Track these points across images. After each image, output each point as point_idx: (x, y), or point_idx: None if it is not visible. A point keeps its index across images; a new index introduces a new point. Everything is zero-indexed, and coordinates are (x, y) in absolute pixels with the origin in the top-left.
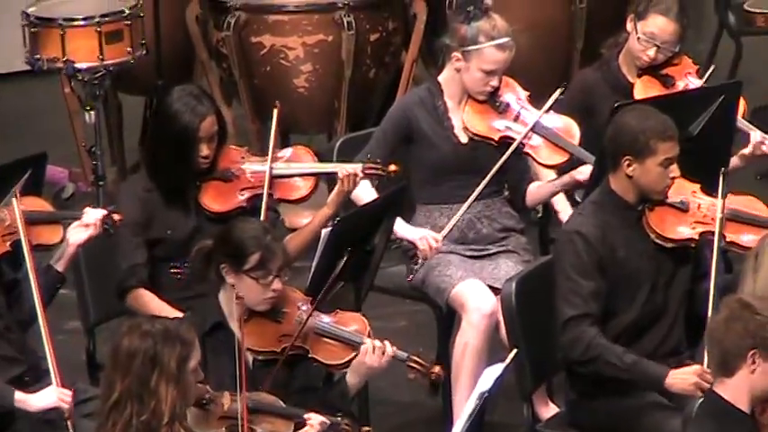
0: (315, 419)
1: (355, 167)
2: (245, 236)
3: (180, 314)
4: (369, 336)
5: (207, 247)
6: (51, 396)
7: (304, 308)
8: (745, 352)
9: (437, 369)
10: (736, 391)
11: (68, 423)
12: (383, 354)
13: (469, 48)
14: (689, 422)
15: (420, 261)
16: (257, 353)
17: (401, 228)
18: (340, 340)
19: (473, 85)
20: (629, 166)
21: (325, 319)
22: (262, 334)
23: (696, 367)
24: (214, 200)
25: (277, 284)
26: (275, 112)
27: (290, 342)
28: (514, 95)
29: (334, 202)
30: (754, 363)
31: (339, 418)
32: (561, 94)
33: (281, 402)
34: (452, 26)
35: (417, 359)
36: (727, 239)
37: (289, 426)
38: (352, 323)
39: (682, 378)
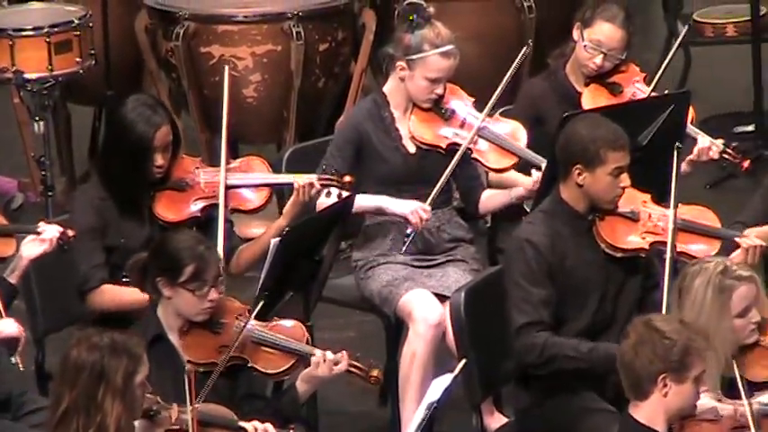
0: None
1: (311, 178)
2: (179, 248)
3: (146, 297)
4: (307, 342)
5: (141, 260)
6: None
7: (242, 318)
8: (655, 376)
9: (376, 372)
10: (651, 414)
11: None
12: (334, 364)
13: (413, 56)
14: None
15: (412, 233)
16: (197, 364)
17: (389, 203)
18: (278, 349)
19: (418, 93)
20: (579, 175)
21: (263, 328)
22: (201, 345)
23: None
24: (168, 209)
25: (213, 294)
26: (225, 75)
27: (228, 352)
28: (460, 102)
29: (290, 213)
30: (665, 386)
31: (291, 430)
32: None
33: (232, 414)
34: (396, 35)
35: (355, 363)
36: (678, 249)
37: None
38: (290, 331)
39: None
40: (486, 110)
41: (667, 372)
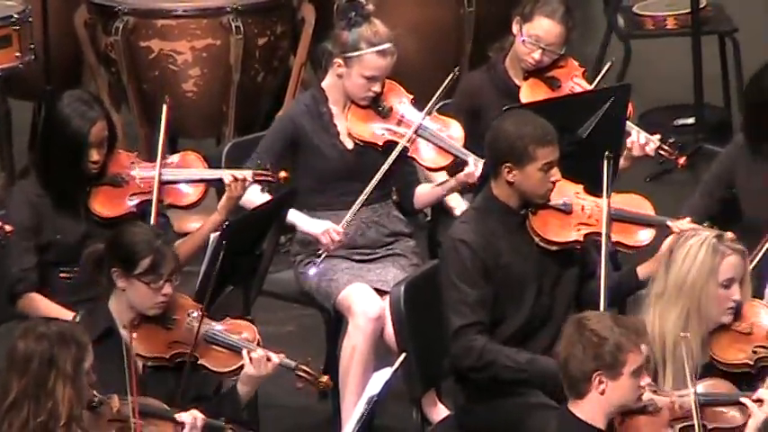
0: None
1: (244, 173)
2: (136, 240)
3: (71, 314)
4: (258, 344)
5: (98, 251)
6: None
7: (194, 314)
8: (589, 375)
9: (325, 379)
10: (590, 410)
11: None
12: (268, 362)
13: (350, 54)
14: None
15: (323, 254)
16: (147, 358)
17: (303, 222)
18: (229, 348)
19: (355, 91)
20: (509, 172)
21: (215, 327)
22: (152, 340)
23: None
24: (104, 205)
25: (168, 289)
26: (164, 109)
27: (181, 350)
28: (398, 99)
29: (225, 208)
30: (600, 383)
31: (223, 423)
32: (445, 97)
33: (165, 406)
34: (334, 32)
35: (306, 368)
36: (614, 239)
37: (173, 428)
38: (242, 331)
39: None
40: (426, 110)
41: (600, 369)
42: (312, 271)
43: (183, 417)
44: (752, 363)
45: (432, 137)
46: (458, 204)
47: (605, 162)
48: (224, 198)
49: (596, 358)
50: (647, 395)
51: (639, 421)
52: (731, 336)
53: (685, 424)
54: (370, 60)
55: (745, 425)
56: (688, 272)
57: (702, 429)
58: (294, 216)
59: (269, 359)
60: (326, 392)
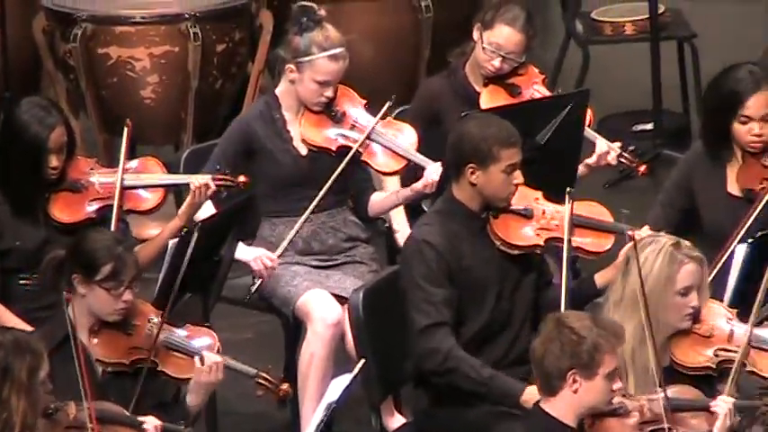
0: (150, 423)
1: (206, 178)
2: (97, 246)
3: (29, 328)
4: (218, 351)
5: (59, 256)
6: None
7: (155, 320)
8: (564, 373)
9: (285, 386)
10: (562, 408)
11: None
12: (217, 370)
13: (302, 59)
14: None
15: (257, 281)
16: (106, 364)
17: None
18: (189, 354)
19: (308, 96)
20: (472, 173)
21: (175, 333)
22: (112, 346)
23: None
24: (63, 211)
25: (128, 295)
26: (125, 131)
27: (141, 356)
28: (351, 104)
29: (186, 214)
30: (575, 382)
31: (182, 428)
32: (403, 103)
33: (125, 411)
34: (287, 38)
35: (266, 376)
36: (573, 244)
37: None
38: (202, 337)
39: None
40: (379, 114)
41: (576, 368)
42: (246, 298)
43: (146, 420)
44: (714, 366)
45: (385, 141)
46: (402, 229)
47: (566, 198)
48: (186, 204)
49: (573, 356)
50: (617, 399)
51: (609, 424)
52: (692, 339)
53: (654, 428)
54: (321, 65)
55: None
56: (645, 280)
57: None
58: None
59: (219, 365)
60: (285, 401)
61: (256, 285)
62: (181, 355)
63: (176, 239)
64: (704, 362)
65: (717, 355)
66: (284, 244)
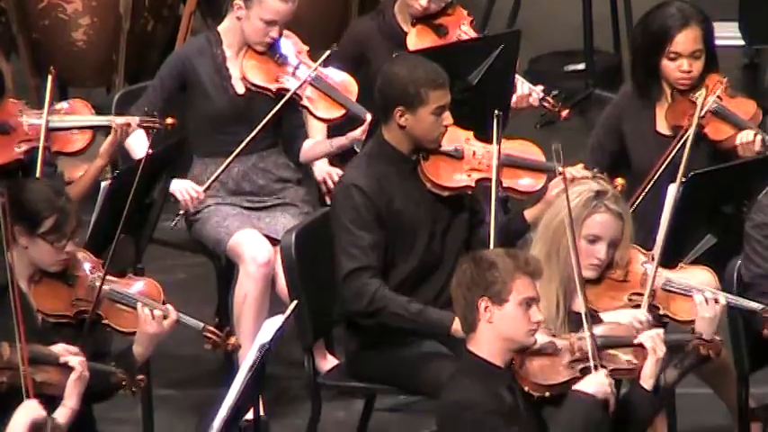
0: (75, 360)
1: (128, 119)
2: (39, 198)
3: None
4: (163, 303)
5: None
6: None
7: (97, 273)
8: (476, 302)
9: (233, 340)
10: (485, 345)
11: None
12: (164, 319)
13: None
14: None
15: (181, 212)
16: (49, 315)
17: None
18: (133, 307)
19: (253, 34)
20: (401, 116)
21: (120, 286)
22: (54, 297)
23: None
24: None
25: (70, 247)
26: (49, 79)
27: (84, 308)
28: (294, 48)
29: (107, 152)
30: (486, 310)
31: (113, 368)
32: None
33: (53, 350)
34: None
35: (213, 330)
36: (504, 185)
37: (61, 373)
38: (143, 287)
39: None
40: (320, 60)
41: (486, 294)
42: (171, 226)
43: (66, 360)
44: None
45: (326, 88)
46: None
47: (494, 120)
48: (106, 143)
49: (482, 282)
50: (546, 337)
51: (539, 363)
52: (606, 285)
53: (585, 365)
54: (270, 3)
55: (641, 367)
56: (556, 216)
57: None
58: None
59: (169, 318)
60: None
61: (179, 216)
62: (126, 307)
63: (108, 182)
64: (618, 307)
65: (630, 300)
66: (212, 178)
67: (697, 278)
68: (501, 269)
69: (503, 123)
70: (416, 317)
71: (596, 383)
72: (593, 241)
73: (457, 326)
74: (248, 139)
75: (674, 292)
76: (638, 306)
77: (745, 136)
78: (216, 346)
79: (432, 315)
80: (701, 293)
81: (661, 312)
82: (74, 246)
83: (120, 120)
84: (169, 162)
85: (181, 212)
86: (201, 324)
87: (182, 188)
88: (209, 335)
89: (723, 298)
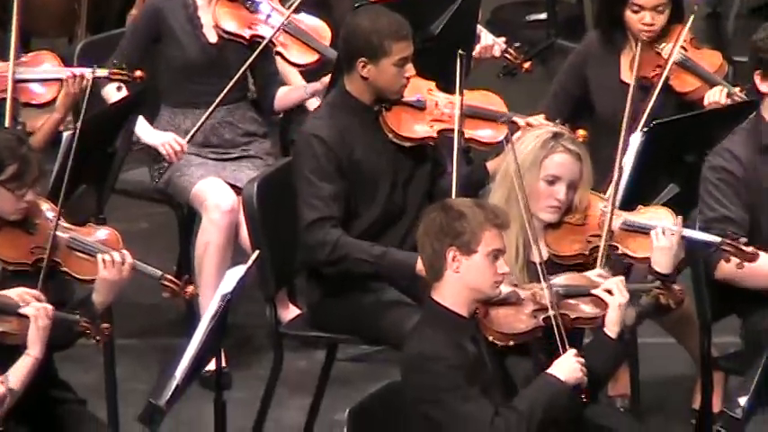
0: (33, 307)
1: (83, 71)
2: (1, 147)
3: None
4: (121, 249)
5: None
6: None
7: (59, 222)
8: (444, 251)
9: (191, 288)
10: (450, 294)
11: None
12: (122, 265)
13: None
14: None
15: (165, 165)
16: (8, 263)
17: (145, 133)
18: (92, 254)
19: None
20: (363, 67)
21: (78, 233)
22: (13, 245)
23: None
24: None
25: (30, 195)
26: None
27: (44, 255)
28: None
29: (63, 105)
30: (454, 260)
31: (77, 316)
32: None
33: (13, 298)
34: None
35: (171, 278)
36: (467, 136)
37: (24, 323)
38: (104, 236)
39: None
40: (293, 6)
41: (454, 244)
42: (155, 182)
43: (26, 310)
44: (587, 253)
45: (299, 34)
46: None
47: (458, 59)
48: (61, 95)
49: (452, 233)
50: (507, 288)
51: (502, 313)
52: (565, 229)
53: (547, 314)
54: None
55: (603, 316)
56: (515, 159)
57: (564, 319)
58: (137, 126)
59: (126, 264)
60: (191, 302)
61: (164, 169)
62: (84, 255)
63: (70, 132)
64: (578, 250)
65: (589, 242)
66: (194, 130)
67: (656, 217)
68: (471, 220)
69: (465, 72)
70: (380, 259)
71: (567, 369)
72: (553, 182)
73: (421, 266)
74: (227, 89)
75: (633, 230)
76: (597, 248)
77: (713, 95)
78: (174, 295)
79: (395, 255)
80: (658, 227)
81: (620, 252)
82: (34, 195)
83: (74, 71)
84: (132, 111)
85: (165, 165)
86: (159, 272)
87: (165, 141)
88: (166, 283)
89: (681, 231)
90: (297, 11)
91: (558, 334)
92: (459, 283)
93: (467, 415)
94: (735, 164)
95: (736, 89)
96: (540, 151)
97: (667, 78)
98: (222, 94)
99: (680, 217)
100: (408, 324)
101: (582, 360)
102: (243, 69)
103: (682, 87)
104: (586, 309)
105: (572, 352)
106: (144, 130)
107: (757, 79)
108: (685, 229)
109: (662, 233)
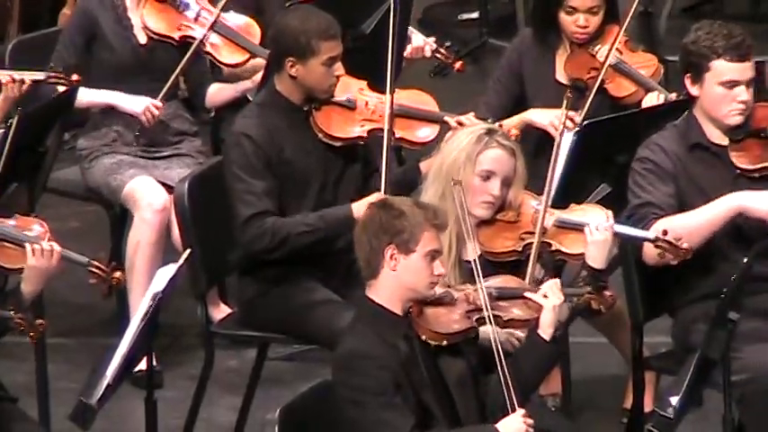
0: None
1: (23, 74)
2: None
3: None
4: (49, 240)
5: None
6: None
7: None
8: (382, 248)
9: (118, 274)
10: (385, 292)
11: None
12: (51, 254)
13: None
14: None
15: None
16: None
17: (120, 100)
18: (18, 244)
19: None
20: (292, 67)
21: (5, 223)
22: None
23: None
24: None
25: None
26: None
27: None
28: None
29: (1, 109)
30: (392, 258)
31: (11, 312)
32: None
33: None
34: None
35: (98, 264)
36: (397, 135)
37: None
38: (31, 226)
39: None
40: (221, 5)
41: (393, 242)
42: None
43: None
44: (519, 249)
45: (229, 33)
46: None
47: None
48: (0, 99)
49: (391, 231)
50: (440, 288)
51: (436, 312)
52: (498, 226)
53: (480, 315)
54: None
55: (536, 319)
56: (449, 155)
57: (497, 321)
58: (109, 96)
59: (54, 252)
60: (118, 288)
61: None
62: (10, 244)
63: (1, 131)
64: (510, 246)
65: (522, 239)
66: (165, 89)
67: (588, 214)
68: (410, 219)
69: (396, 74)
70: (318, 223)
71: (514, 430)
72: (487, 177)
73: (357, 209)
74: (165, 89)
75: (566, 227)
76: (529, 245)
77: (650, 101)
78: (101, 281)
79: (332, 214)
80: (592, 223)
81: (553, 248)
82: None
83: (14, 75)
84: (63, 111)
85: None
86: (86, 259)
87: (143, 109)
88: (93, 269)
89: (613, 225)
90: (226, 9)
91: (498, 357)
92: (396, 281)
93: (386, 423)
94: (662, 156)
95: (673, 95)
96: (475, 146)
97: (603, 82)
98: (158, 98)
99: (610, 212)
100: (338, 322)
101: (530, 422)
102: (175, 74)
103: (617, 92)
104: (519, 312)
105: (521, 412)
106: (118, 97)
107: (687, 82)
108: (620, 225)
109: (596, 228)
